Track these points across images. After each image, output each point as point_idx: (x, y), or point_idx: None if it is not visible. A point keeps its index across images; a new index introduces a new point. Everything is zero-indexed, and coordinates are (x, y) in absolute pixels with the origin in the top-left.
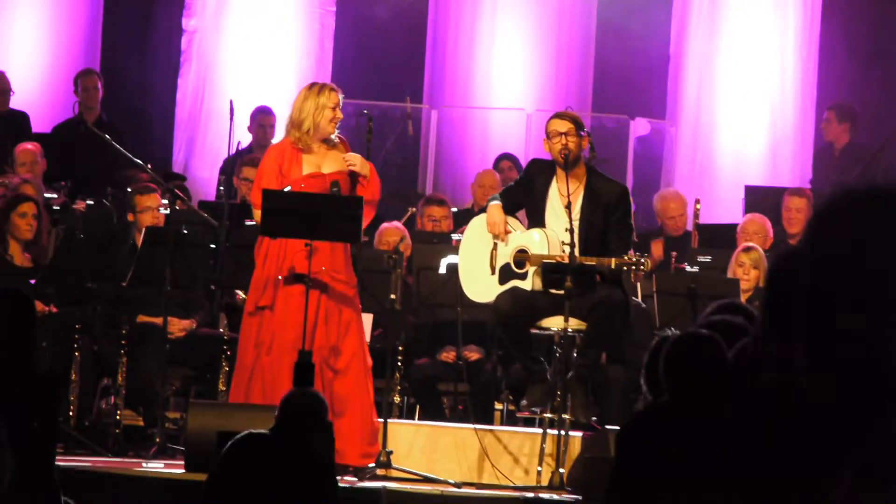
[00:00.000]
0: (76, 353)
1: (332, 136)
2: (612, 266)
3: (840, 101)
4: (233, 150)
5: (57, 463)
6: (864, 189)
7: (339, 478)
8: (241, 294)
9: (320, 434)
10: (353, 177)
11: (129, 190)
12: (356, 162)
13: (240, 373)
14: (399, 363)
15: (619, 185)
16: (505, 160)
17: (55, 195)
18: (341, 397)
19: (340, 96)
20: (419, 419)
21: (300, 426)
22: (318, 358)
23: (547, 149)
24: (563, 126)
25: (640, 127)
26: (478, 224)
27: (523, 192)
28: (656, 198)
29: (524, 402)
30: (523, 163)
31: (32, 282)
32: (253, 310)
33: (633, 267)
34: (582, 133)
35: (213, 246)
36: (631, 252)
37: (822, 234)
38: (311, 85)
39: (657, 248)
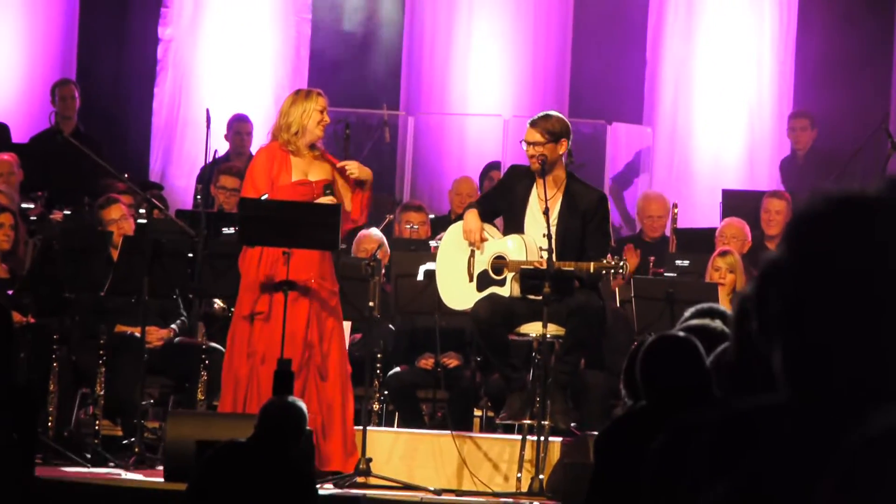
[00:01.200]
0: (54, 364)
1: (318, 145)
2: (591, 270)
3: (801, 110)
4: (210, 159)
5: (36, 474)
6: (840, 193)
7: (318, 485)
8: (219, 303)
9: (299, 443)
10: (360, 184)
11: (97, 203)
12: (354, 169)
13: (230, 381)
14: (377, 370)
15: (597, 191)
16: (494, 170)
17: (32, 205)
18: (328, 404)
19: (326, 101)
20: (398, 426)
21: (279, 435)
22: (312, 364)
23: (526, 155)
24: (533, 137)
25: (617, 132)
26: (454, 232)
27: (501, 199)
28: (639, 197)
29: (503, 414)
30: (503, 169)
31: (10, 292)
32: (248, 314)
33: (612, 271)
34: (559, 141)
35: (190, 255)
36: (609, 256)
37: (800, 239)
38: (298, 91)
39: (630, 255)
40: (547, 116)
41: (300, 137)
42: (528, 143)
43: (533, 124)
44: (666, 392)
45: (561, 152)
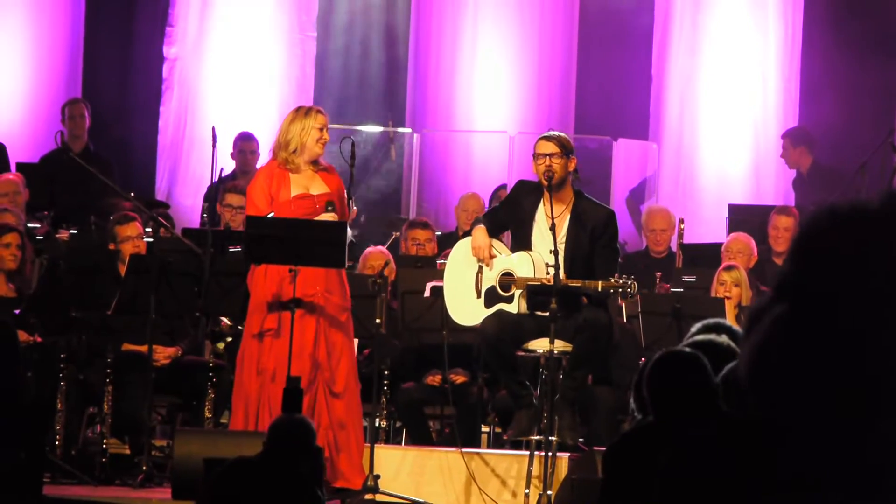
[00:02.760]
0: (61, 383)
1: (321, 161)
2: (599, 289)
3: (790, 129)
4: (216, 177)
5: (44, 493)
6: (848, 206)
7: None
8: (226, 321)
9: (308, 460)
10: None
11: (110, 219)
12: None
13: (241, 399)
14: (385, 387)
15: (606, 208)
16: (502, 190)
17: (38, 225)
18: (341, 420)
19: (326, 119)
20: (406, 443)
21: (288, 452)
22: (321, 380)
23: (534, 170)
24: (548, 148)
25: (622, 147)
26: (462, 248)
27: (509, 214)
28: (644, 211)
29: (510, 431)
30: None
31: (16, 312)
32: (257, 332)
33: (620, 290)
34: (568, 155)
35: (197, 273)
36: (616, 276)
37: (807, 253)
38: (298, 108)
39: None
40: (554, 132)
41: (298, 155)
42: (542, 155)
43: (547, 138)
44: (673, 407)
45: (570, 168)
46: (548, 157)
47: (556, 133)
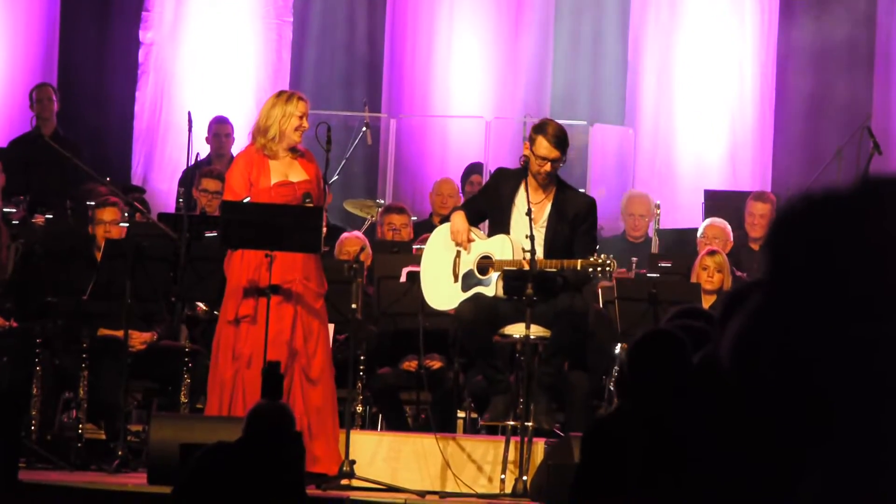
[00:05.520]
0: (37, 368)
1: (298, 147)
2: (578, 268)
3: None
4: (192, 162)
5: (19, 478)
6: (822, 192)
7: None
8: (201, 306)
9: (289, 445)
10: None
11: (90, 204)
12: None
13: (216, 385)
14: (361, 372)
15: (588, 197)
16: (475, 174)
17: (14, 210)
18: (317, 406)
19: (308, 106)
20: (382, 429)
21: (269, 437)
22: (297, 366)
23: (526, 152)
24: (554, 154)
25: (598, 133)
26: (441, 233)
27: (488, 201)
28: (623, 196)
29: (486, 416)
30: (485, 170)
31: None
32: (232, 318)
33: (600, 268)
34: (566, 157)
35: (173, 258)
36: (595, 255)
37: (781, 240)
38: (280, 93)
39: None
40: (563, 130)
41: (277, 143)
42: (547, 160)
43: (558, 143)
44: (652, 388)
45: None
46: (550, 163)
47: (563, 134)
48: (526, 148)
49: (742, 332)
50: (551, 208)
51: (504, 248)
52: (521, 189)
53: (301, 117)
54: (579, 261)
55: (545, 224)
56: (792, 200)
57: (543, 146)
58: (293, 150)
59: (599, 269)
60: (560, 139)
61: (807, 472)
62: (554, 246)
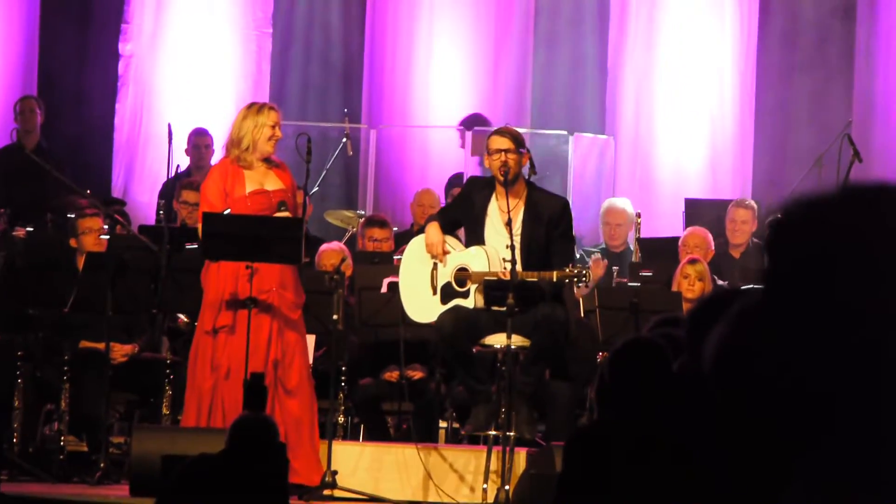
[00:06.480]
0: (18, 381)
1: (272, 158)
2: (554, 279)
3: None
4: (172, 174)
5: (1, 491)
6: (819, 198)
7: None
8: (183, 318)
9: (272, 457)
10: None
11: (70, 216)
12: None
13: (194, 395)
14: (342, 383)
15: (560, 198)
16: (457, 186)
17: None
18: (296, 417)
19: (279, 115)
20: (363, 439)
21: (252, 449)
22: (273, 378)
23: (487, 165)
24: (503, 143)
25: (579, 142)
26: (416, 245)
27: (461, 211)
28: (603, 205)
29: (468, 426)
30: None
31: None
32: (210, 329)
33: (576, 279)
34: (522, 150)
35: (154, 270)
36: (571, 265)
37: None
38: (251, 105)
39: (596, 266)
40: (508, 127)
41: (251, 153)
42: (497, 151)
43: (500, 133)
44: (633, 396)
45: (524, 163)
46: (503, 153)
47: (509, 128)
48: (486, 159)
49: (730, 338)
50: (525, 214)
51: (479, 259)
52: (493, 198)
53: (273, 127)
54: (555, 272)
55: (520, 230)
56: (789, 205)
57: (493, 141)
58: (268, 160)
59: (576, 279)
60: (507, 130)
61: (796, 478)
62: (531, 252)
